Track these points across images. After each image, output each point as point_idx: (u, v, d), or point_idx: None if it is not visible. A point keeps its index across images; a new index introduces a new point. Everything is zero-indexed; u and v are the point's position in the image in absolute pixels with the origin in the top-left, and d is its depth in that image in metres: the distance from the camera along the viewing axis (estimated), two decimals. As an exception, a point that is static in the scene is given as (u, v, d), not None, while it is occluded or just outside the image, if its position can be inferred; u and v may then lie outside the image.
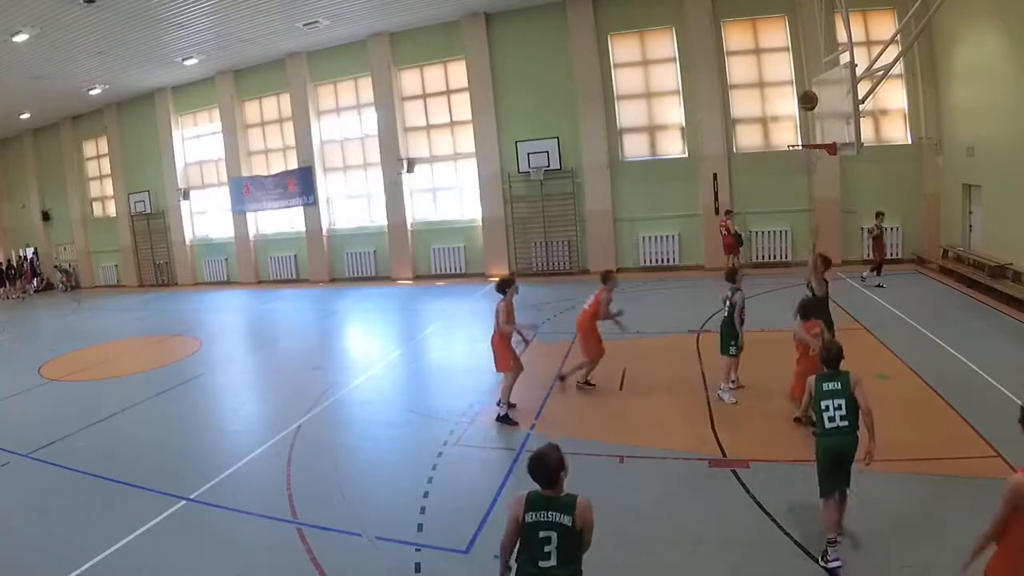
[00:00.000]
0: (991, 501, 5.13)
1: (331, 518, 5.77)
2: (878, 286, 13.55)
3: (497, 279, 8.31)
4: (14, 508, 6.49)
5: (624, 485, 6.01)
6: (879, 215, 14.11)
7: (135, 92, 22.95)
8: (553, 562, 3.25)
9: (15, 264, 27.77)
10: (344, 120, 21.08)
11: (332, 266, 21.66)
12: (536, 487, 3.38)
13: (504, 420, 7.75)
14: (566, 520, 3.25)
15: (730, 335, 7.88)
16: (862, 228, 16.23)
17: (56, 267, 27.67)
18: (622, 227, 18.07)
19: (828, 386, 4.81)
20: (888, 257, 15.74)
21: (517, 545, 3.40)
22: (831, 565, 4.50)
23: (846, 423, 4.64)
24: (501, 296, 7.88)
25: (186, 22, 16.08)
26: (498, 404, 7.91)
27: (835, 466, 4.65)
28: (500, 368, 8.04)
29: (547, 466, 3.31)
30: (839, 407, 4.69)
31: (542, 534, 3.26)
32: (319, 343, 13.80)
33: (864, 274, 14.25)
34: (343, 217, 21.63)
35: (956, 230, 14.93)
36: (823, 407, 4.75)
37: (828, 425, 4.69)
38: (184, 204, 23.82)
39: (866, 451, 4.61)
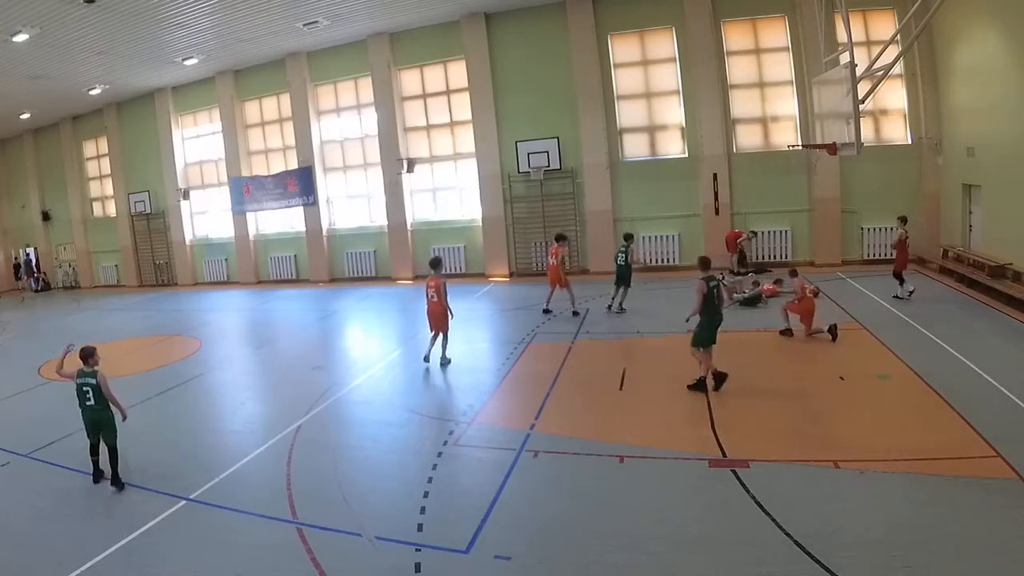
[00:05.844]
0: (991, 501, 5.17)
1: (331, 518, 5.77)
2: (897, 297, 12.17)
3: (558, 232, 13.90)
4: (14, 508, 6.49)
5: (624, 485, 6.01)
6: (902, 220, 12.58)
7: (135, 92, 22.96)
8: (92, 402, 6.68)
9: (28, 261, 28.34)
10: (344, 120, 21.09)
11: (332, 266, 21.67)
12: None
13: (575, 315, 12.78)
14: (93, 381, 6.70)
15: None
16: (862, 228, 16.26)
17: (17, 262, 28.17)
18: (622, 227, 18.02)
19: (712, 284, 8.09)
20: (888, 257, 15.71)
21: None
22: (699, 378, 8.16)
23: (718, 303, 8.12)
24: (557, 244, 13.17)
25: (186, 22, 16.08)
26: (547, 306, 13.28)
27: (715, 328, 8.15)
28: (561, 285, 12.87)
29: (88, 351, 6.83)
30: (719, 294, 8.22)
31: (84, 388, 6.70)
32: (319, 343, 13.80)
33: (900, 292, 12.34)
34: (343, 217, 21.64)
35: (956, 230, 14.94)
36: (712, 295, 8.05)
37: (715, 303, 8.11)
38: (184, 204, 23.83)
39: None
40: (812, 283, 10.85)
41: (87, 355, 6.82)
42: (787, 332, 10.47)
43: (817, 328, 10.26)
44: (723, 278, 9.32)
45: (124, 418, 6.93)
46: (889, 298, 12.32)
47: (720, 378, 8.15)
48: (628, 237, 13.64)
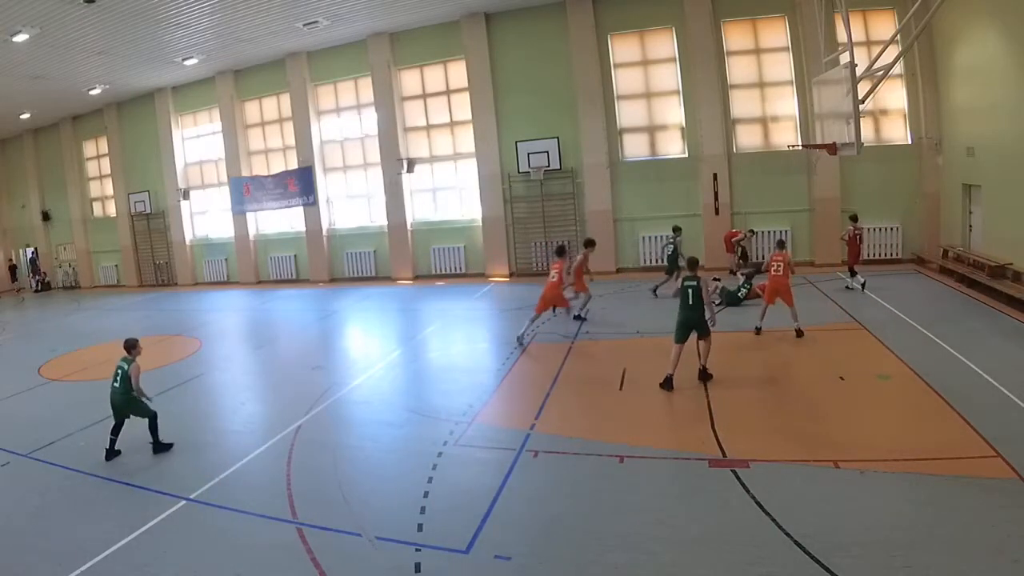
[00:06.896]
0: (991, 501, 5.17)
1: (331, 518, 5.77)
2: (847, 288, 13.32)
3: (558, 245, 14.00)
4: (14, 508, 6.49)
5: (624, 485, 6.01)
6: (852, 218, 13.84)
7: (135, 92, 22.97)
8: (117, 384, 7.45)
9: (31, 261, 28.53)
10: (344, 120, 21.09)
11: (332, 266, 21.67)
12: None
13: (578, 318, 12.45)
14: (126, 366, 7.45)
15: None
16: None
17: (12, 264, 28.35)
18: (622, 227, 18.07)
19: (688, 283, 8.38)
20: (888, 257, 15.82)
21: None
22: (666, 376, 8.33)
23: (692, 303, 8.35)
24: (559, 259, 12.27)
25: (186, 22, 16.09)
26: (579, 313, 12.52)
27: (686, 327, 8.39)
28: (579, 289, 12.47)
29: (129, 343, 7.65)
30: (696, 295, 8.30)
31: (117, 371, 7.49)
32: (319, 343, 13.80)
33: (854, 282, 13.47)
34: (343, 217, 21.64)
35: (956, 230, 14.93)
36: (686, 294, 8.36)
37: (690, 303, 8.34)
38: (184, 204, 23.83)
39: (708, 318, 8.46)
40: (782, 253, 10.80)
41: (130, 347, 7.69)
42: (798, 333, 10.38)
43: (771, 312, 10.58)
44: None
45: (150, 400, 7.75)
46: (890, 298, 12.31)
47: (667, 382, 8.38)
48: (676, 230, 14.64)
